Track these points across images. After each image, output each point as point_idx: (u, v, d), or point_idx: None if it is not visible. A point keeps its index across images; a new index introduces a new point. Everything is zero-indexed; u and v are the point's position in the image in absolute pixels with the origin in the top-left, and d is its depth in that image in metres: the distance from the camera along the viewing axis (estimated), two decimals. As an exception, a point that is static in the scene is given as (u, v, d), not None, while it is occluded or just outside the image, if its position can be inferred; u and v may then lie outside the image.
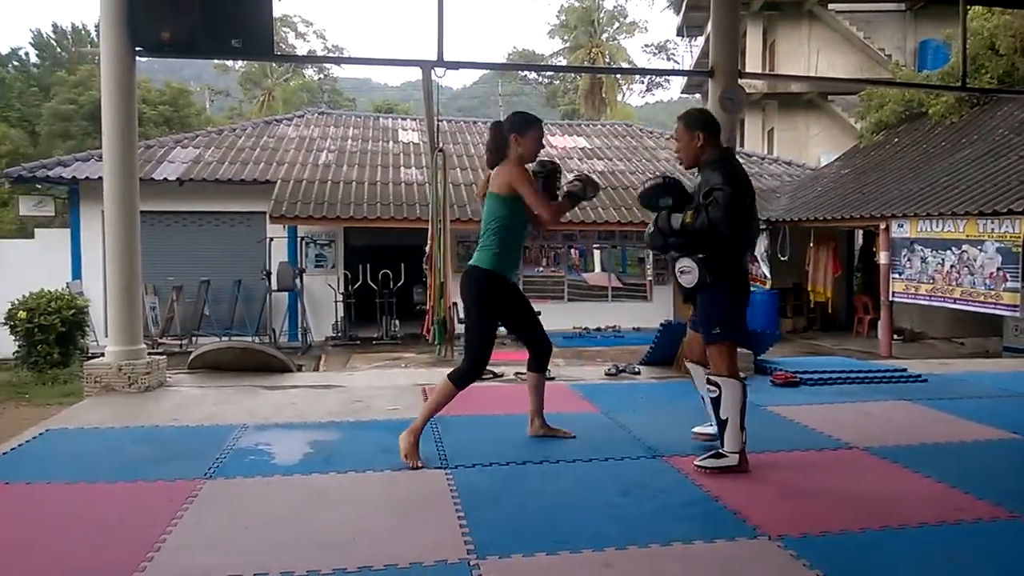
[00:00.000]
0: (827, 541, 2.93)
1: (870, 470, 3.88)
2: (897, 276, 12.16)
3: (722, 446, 3.78)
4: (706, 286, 3.74)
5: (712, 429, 4.03)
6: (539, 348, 4.18)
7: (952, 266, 11.08)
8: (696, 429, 4.25)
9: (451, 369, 3.97)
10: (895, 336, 13.12)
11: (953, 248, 11.06)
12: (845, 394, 5.68)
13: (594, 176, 4.00)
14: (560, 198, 4.06)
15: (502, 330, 4.09)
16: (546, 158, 4.23)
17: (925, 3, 21.80)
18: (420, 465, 3.72)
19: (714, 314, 3.79)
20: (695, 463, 3.78)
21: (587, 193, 4.05)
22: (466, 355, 3.97)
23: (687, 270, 3.76)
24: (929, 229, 11.50)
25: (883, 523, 3.09)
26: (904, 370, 6.48)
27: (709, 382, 3.83)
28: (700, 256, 3.70)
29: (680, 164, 4.05)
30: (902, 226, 12.02)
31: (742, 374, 6.01)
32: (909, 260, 11.89)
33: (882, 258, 12.57)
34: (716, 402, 3.78)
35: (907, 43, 22.84)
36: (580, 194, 4.03)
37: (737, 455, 3.74)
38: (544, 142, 4.16)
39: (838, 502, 3.37)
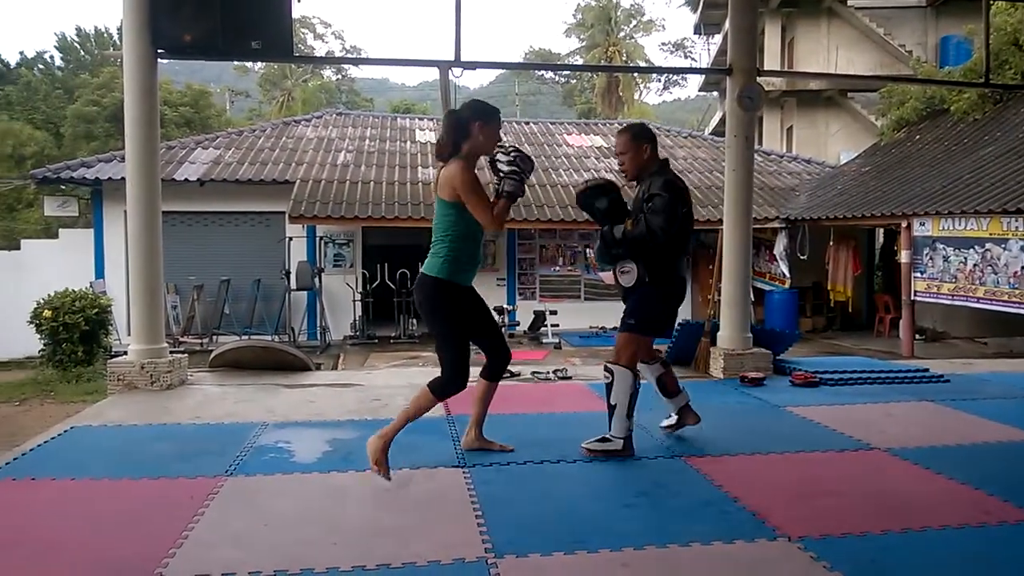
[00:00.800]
0: (848, 542, 2.92)
1: (891, 471, 3.86)
2: (919, 275, 12.04)
3: (609, 430, 3.98)
4: (644, 285, 3.93)
5: (672, 420, 4.37)
6: (497, 356, 3.94)
7: (975, 265, 10.96)
8: (662, 423, 4.46)
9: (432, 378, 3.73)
10: (917, 336, 12.99)
11: (976, 246, 10.94)
12: (866, 394, 5.64)
13: (522, 149, 3.80)
14: (499, 196, 3.67)
15: None
16: (506, 146, 3.80)
17: (946, -1, 21.61)
18: (390, 476, 3.50)
19: (640, 309, 3.99)
20: (582, 445, 3.99)
21: (523, 186, 3.70)
22: (442, 365, 3.71)
23: (627, 270, 3.97)
24: (951, 227, 11.38)
25: (905, 525, 3.07)
26: (926, 370, 6.42)
27: (605, 368, 4.03)
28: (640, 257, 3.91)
29: (623, 176, 4.19)
30: (924, 224, 11.90)
31: (761, 374, 6.04)
32: (931, 259, 11.77)
33: (903, 257, 12.45)
34: (608, 388, 3.98)
35: (928, 39, 22.60)
36: (517, 191, 3.66)
37: (622, 440, 3.95)
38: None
39: (859, 503, 3.35)
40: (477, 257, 3.77)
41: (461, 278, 3.69)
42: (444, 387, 3.66)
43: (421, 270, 3.72)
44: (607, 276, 4.01)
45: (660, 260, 3.94)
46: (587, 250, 15.69)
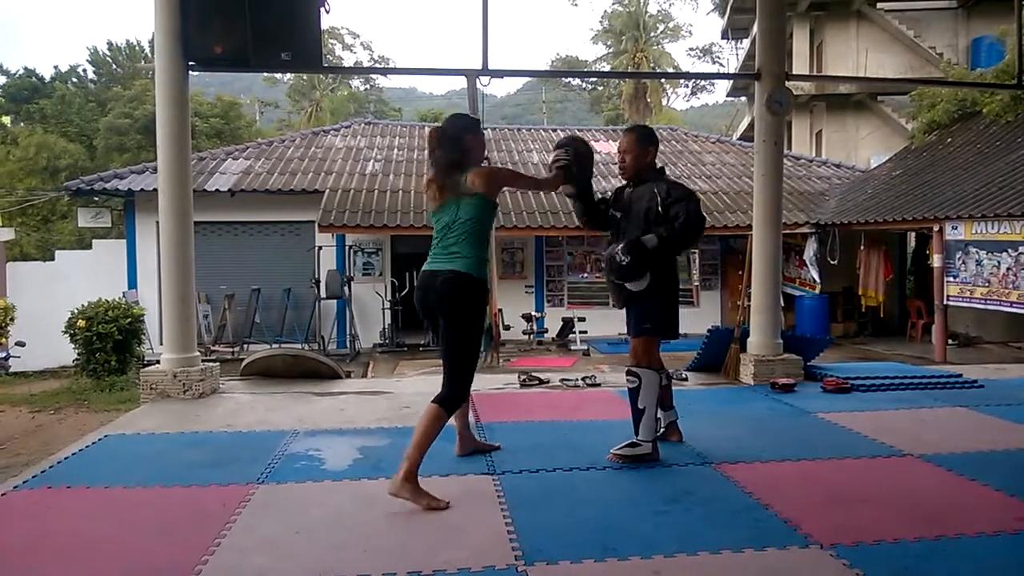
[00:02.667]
0: (881, 550, 2.88)
1: (925, 478, 3.80)
2: (951, 279, 11.85)
3: (636, 435, 3.99)
4: (655, 289, 3.97)
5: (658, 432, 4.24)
6: None
7: (1009, 268, 10.77)
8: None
9: (435, 394, 3.58)
10: (949, 341, 12.78)
11: (1010, 250, 10.75)
12: (898, 400, 5.57)
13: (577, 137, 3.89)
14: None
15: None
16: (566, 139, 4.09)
17: (977, 0, 21.28)
18: (446, 503, 3.34)
19: (652, 313, 4.02)
20: (612, 451, 3.97)
21: (576, 162, 3.96)
22: (451, 375, 3.57)
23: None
24: (984, 231, 11.19)
25: (939, 532, 3.02)
26: (959, 376, 6.32)
27: (630, 373, 4.04)
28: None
29: (621, 174, 4.22)
30: (956, 228, 11.72)
31: (792, 380, 5.98)
32: (964, 263, 11.58)
33: (935, 261, 12.27)
34: (635, 392, 3.99)
35: (959, 41, 22.30)
36: (564, 160, 3.93)
37: (651, 444, 3.97)
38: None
39: (892, 510, 3.30)
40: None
41: (486, 276, 3.67)
42: (453, 399, 3.55)
43: (446, 267, 3.58)
44: (635, 283, 3.99)
45: (666, 264, 4.01)
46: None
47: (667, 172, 4.29)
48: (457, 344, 3.59)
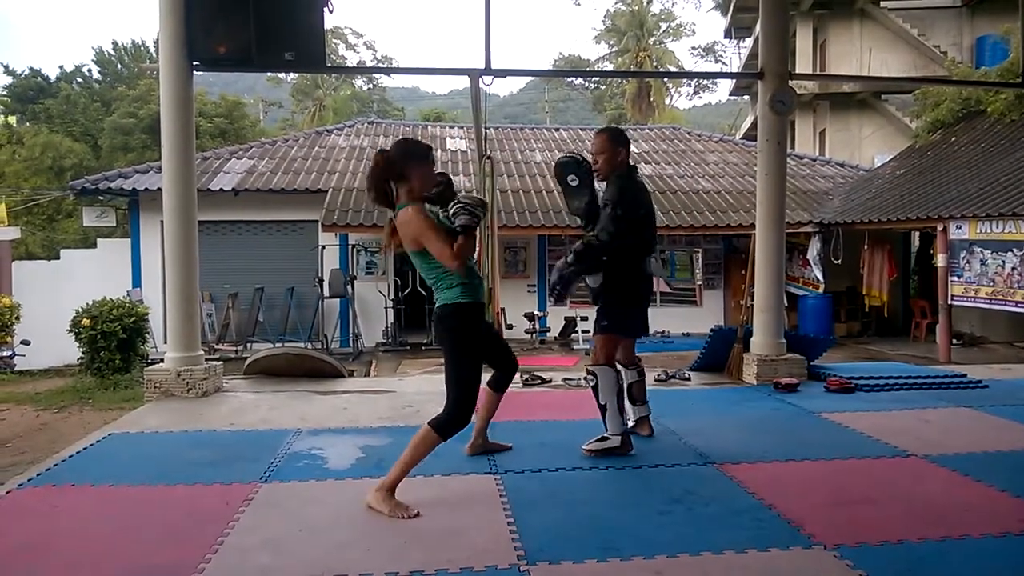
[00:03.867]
0: (885, 551, 2.87)
1: (929, 478, 3.79)
2: (956, 279, 11.82)
3: (605, 430, 4.11)
4: (611, 286, 4.11)
5: (628, 424, 4.34)
6: (507, 367, 3.88)
7: (1013, 268, 10.74)
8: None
9: (431, 417, 3.48)
10: (954, 341, 12.75)
11: (1015, 249, 10.72)
12: (902, 400, 5.56)
13: (473, 196, 3.55)
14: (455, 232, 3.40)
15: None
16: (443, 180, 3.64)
17: (982, -2, 21.23)
18: (416, 513, 3.26)
19: (611, 311, 4.17)
20: (582, 447, 4.10)
21: (476, 219, 3.39)
22: (452, 401, 3.44)
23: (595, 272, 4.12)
24: (989, 230, 11.16)
25: (944, 533, 3.02)
26: (964, 376, 6.31)
27: (587, 372, 4.20)
28: (605, 259, 4.07)
29: (597, 176, 4.30)
30: (960, 227, 11.69)
31: (795, 380, 5.97)
32: (968, 262, 11.56)
33: (940, 260, 12.24)
34: (595, 390, 4.13)
35: (963, 39, 22.22)
36: (471, 223, 3.37)
37: (620, 437, 4.08)
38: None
39: (896, 511, 3.29)
40: (476, 271, 3.63)
41: (478, 296, 3.53)
42: (449, 425, 3.42)
43: (438, 303, 3.50)
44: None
45: (624, 262, 4.09)
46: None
47: (639, 171, 4.40)
48: (455, 372, 3.48)
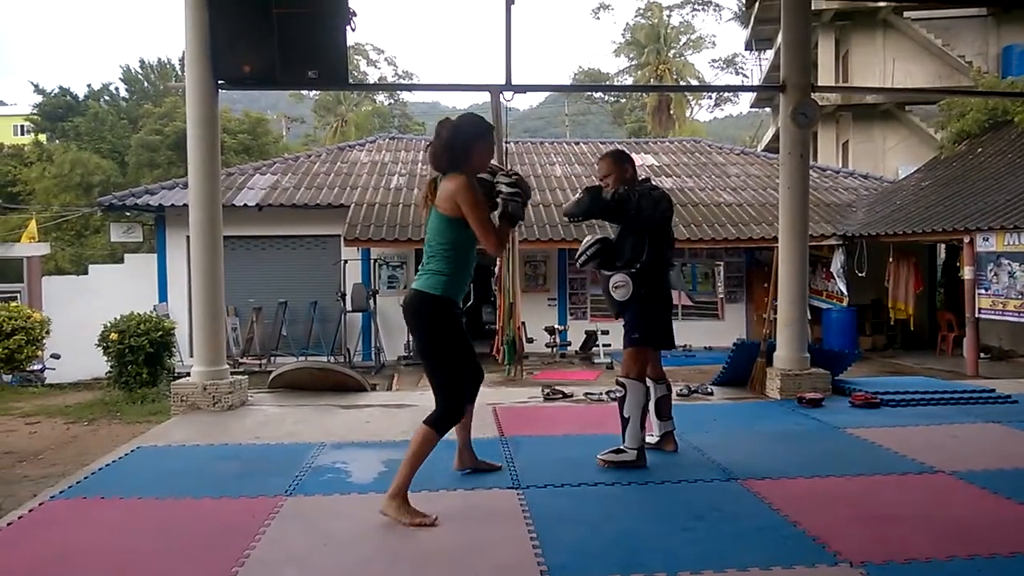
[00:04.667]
0: (912, 569, 2.84)
1: (957, 495, 3.75)
2: (983, 292, 11.68)
3: (623, 442, 4.17)
4: (638, 298, 4.18)
5: (653, 441, 4.48)
6: (474, 376, 3.77)
7: (1043, 281, 10.59)
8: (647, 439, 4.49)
9: (426, 415, 3.47)
10: (982, 355, 12.57)
11: (1044, 262, 10.58)
12: (929, 416, 5.49)
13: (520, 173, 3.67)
14: (498, 218, 3.49)
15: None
16: (505, 168, 3.73)
17: (1008, 7, 20.99)
18: (435, 519, 3.29)
19: (640, 323, 4.24)
20: (597, 457, 4.17)
21: (524, 209, 3.53)
22: (437, 396, 3.47)
23: (621, 284, 4.22)
24: (1017, 242, 11.02)
25: (972, 551, 2.98)
26: (992, 390, 6.22)
27: (617, 383, 4.26)
28: (632, 271, 4.18)
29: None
30: (988, 239, 11.56)
31: (819, 395, 5.92)
32: (996, 275, 11.41)
33: (967, 273, 12.10)
34: (621, 401, 4.20)
35: (989, 49, 22.00)
36: (519, 214, 3.49)
37: (636, 451, 4.14)
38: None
39: (923, 528, 3.26)
40: (471, 274, 3.59)
41: (457, 295, 3.50)
42: (443, 420, 3.43)
43: (412, 286, 3.50)
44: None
45: (651, 274, 4.20)
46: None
47: (654, 183, 4.52)
48: (428, 363, 3.54)
